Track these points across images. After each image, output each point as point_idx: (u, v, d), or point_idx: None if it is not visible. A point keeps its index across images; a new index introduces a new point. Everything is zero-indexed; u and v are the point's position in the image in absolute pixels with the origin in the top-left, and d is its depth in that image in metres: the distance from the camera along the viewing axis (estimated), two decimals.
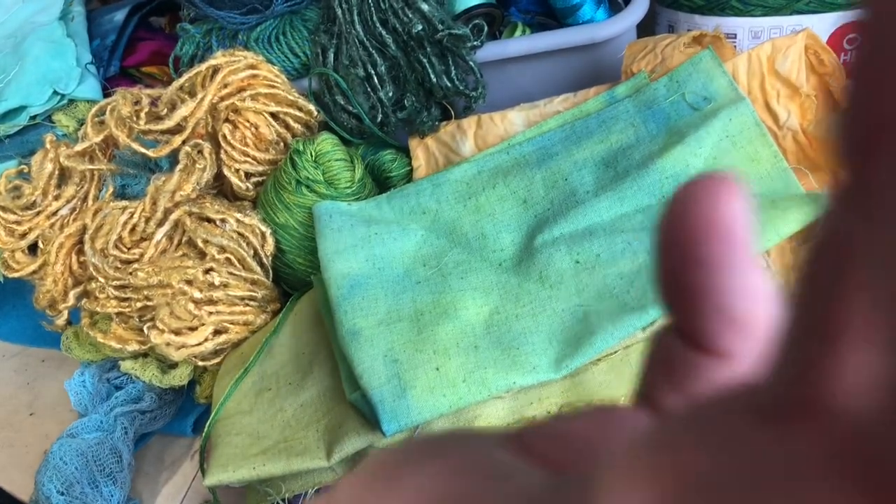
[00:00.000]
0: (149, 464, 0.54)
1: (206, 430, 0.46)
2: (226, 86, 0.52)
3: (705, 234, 0.10)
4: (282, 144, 0.54)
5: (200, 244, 0.50)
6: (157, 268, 0.48)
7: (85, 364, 0.55)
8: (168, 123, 0.51)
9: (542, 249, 0.44)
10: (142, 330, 0.50)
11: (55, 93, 0.62)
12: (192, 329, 0.48)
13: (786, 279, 0.40)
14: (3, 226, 0.52)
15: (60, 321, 0.54)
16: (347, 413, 0.42)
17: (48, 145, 0.53)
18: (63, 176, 0.54)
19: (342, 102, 0.53)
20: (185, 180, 0.50)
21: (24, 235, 0.52)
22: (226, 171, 0.53)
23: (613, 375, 0.40)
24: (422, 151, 0.53)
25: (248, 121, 0.53)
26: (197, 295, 0.47)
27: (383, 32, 0.51)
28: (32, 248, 0.54)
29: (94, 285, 0.51)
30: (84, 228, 0.51)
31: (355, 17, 0.51)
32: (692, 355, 0.11)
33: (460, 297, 0.43)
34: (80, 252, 0.52)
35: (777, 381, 0.08)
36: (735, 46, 0.57)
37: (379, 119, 0.53)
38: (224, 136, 0.52)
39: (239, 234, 0.51)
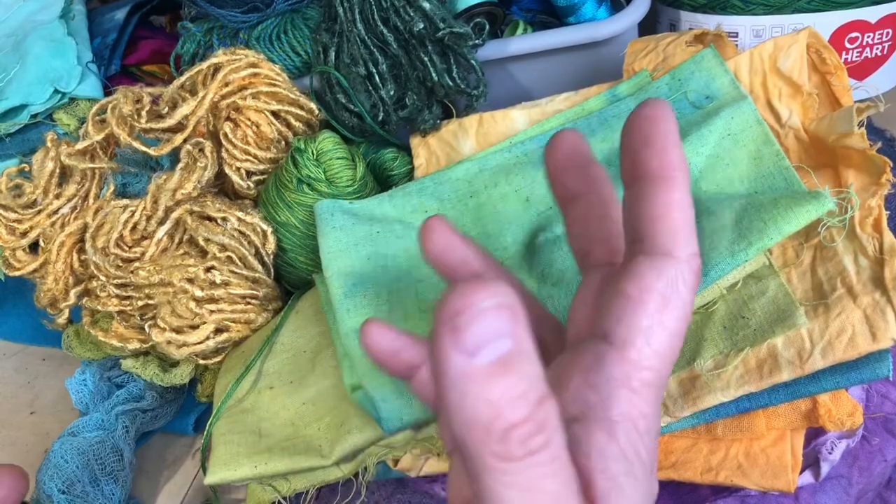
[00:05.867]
0: (150, 462, 0.54)
1: (207, 428, 0.46)
2: (227, 84, 0.52)
3: None
4: (283, 143, 0.54)
5: (202, 242, 0.50)
6: (159, 266, 0.48)
7: (86, 363, 0.55)
8: (169, 122, 0.51)
9: (544, 248, 0.44)
10: (143, 328, 0.50)
11: (56, 91, 0.62)
12: (194, 327, 0.48)
13: (787, 278, 0.40)
14: (4, 224, 0.52)
15: (61, 320, 0.54)
16: (349, 411, 0.42)
17: (49, 144, 0.53)
18: (64, 174, 0.54)
19: (343, 101, 0.53)
20: (187, 179, 0.50)
21: (25, 234, 0.52)
22: (227, 170, 0.52)
23: None
24: (423, 150, 0.53)
25: (249, 119, 0.53)
26: (198, 293, 0.47)
27: (385, 31, 0.51)
28: (33, 247, 0.53)
29: (95, 284, 0.51)
30: (85, 227, 0.51)
31: (357, 16, 0.51)
32: None
33: None
34: (81, 250, 0.52)
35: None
36: (737, 45, 0.57)
37: (380, 117, 0.53)
38: (225, 135, 0.52)
39: (240, 232, 0.50)
